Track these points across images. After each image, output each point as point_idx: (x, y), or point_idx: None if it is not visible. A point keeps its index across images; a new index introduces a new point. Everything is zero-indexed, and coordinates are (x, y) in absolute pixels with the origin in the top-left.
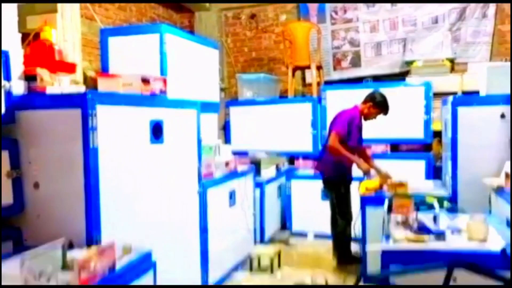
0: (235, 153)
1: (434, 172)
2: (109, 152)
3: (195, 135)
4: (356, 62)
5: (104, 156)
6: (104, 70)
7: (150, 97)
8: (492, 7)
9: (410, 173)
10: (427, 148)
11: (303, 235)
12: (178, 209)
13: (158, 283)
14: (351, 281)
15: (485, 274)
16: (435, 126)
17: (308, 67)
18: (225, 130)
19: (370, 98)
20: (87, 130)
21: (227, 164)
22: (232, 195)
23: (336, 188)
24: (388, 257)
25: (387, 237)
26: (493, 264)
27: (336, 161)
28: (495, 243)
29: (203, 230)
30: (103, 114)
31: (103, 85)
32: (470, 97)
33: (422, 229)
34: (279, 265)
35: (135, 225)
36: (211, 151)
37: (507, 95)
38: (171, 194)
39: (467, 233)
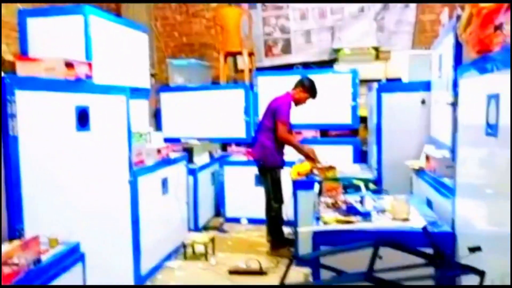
0: (167, 141)
1: (361, 156)
2: (31, 140)
3: (124, 122)
4: (287, 49)
5: (25, 145)
6: (23, 53)
7: (75, 82)
8: None
9: (339, 158)
10: (355, 133)
11: (237, 221)
12: (108, 199)
13: (88, 275)
14: (284, 264)
15: (407, 251)
16: (362, 112)
17: (240, 53)
18: (156, 117)
19: (299, 84)
20: (5, 117)
21: (159, 151)
22: (164, 183)
23: (271, 173)
24: (319, 238)
25: (318, 219)
26: (416, 241)
27: (270, 148)
28: (417, 222)
29: (135, 219)
30: (23, 100)
31: (23, 69)
32: (393, 84)
33: (350, 210)
34: (213, 252)
35: (62, 217)
36: (142, 138)
37: (427, 82)
38: (100, 184)
39: (391, 213)
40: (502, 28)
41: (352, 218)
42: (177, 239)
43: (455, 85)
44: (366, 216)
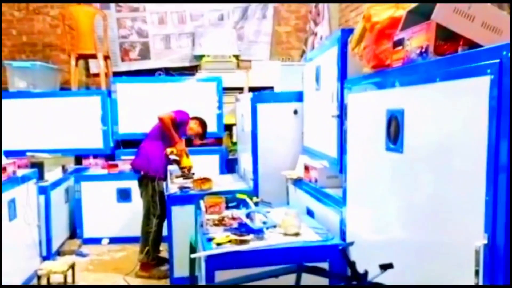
0: (8, 154)
1: (227, 165)
2: None
3: None
4: (145, 53)
5: None
6: None
7: None
8: (271, 8)
9: (206, 168)
10: (219, 142)
11: (97, 241)
12: None
13: None
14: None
15: (328, 275)
16: (225, 120)
17: (93, 56)
18: None
19: (196, 118)
20: None
21: (4, 169)
22: (11, 206)
23: (153, 184)
24: (213, 262)
25: (210, 240)
26: (311, 256)
27: (156, 157)
28: (308, 235)
29: None
30: None
31: None
32: (267, 94)
33: (242, 228)
34: (73, 281)
35: None
36: None
37: (299, 93)
38: None
39: (282, 228)
40: (404, 44)
41: (246, 237)
42: (28, 270)
43: (341, 98)
44: (258, 233)
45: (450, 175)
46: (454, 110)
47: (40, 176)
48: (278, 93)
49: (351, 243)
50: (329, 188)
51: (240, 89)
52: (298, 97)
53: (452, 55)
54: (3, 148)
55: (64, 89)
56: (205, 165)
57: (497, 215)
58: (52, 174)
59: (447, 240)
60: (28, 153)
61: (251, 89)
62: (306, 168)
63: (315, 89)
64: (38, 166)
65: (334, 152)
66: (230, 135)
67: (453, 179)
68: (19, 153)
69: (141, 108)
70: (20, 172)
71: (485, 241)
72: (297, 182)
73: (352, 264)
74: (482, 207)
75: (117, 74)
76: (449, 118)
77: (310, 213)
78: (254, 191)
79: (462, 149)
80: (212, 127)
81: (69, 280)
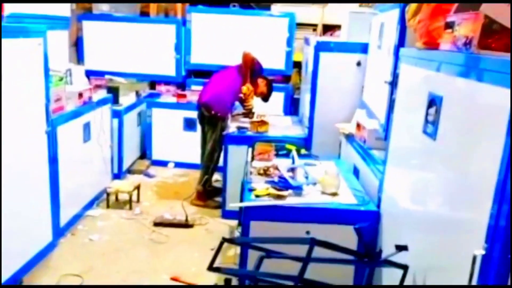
0: (90, 73)
1: (292, 103)
2: None
3: (41, 66)
4: None
5: None
6: None
7: None
8: None
9: (270, 105)
10: (287, 79)
11: (163, 164)
12: (23, 152)
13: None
14: (210, 215)
15: (340, 250)
16: (296, 57)
17: None
18: (78, 46)
19: (267, 78)
20: None
21: (80, 95)
22: (86, 129)
23: (222, 124)
24: (250, 212)
25: (250, 190)
26: (343, 217)
27: (228, 99)
28: (345, 197)
29: (53, 169)
30: None
31: None
32: (331, 44)
33: (282, 184)
34: (138, 200)
35: None
36: (62, 82)
37: (365, 44)
38: (13, 136)
39: (321, 186)
40: (454, 28)
41: (284, 192)
42: (100, 186)
43: (395, 65)
44: (297, 190)
45: (467, 178)
46: (479, 115)
47: (115, 101)
48: (342, 43)
49: (367, 224)
50: (376, 149)
51: (314, 26)
52: (363, 48)
53: (484, 56)
54: (86, 68)
55: (143, 15)
56: (270, 101)
57: (497, 229)
58: (126, 99)
59: (452, 241)
60: (107, 76)
61: (325, 27)
62: (358, 126)
63: (377, 46)
64: (114, 91)
65: (383, 117)
66: (299, 72)
67: (468, 183)
68: (99, 73)
69: (213, 39)
70: (98, 95)
71: (483, 252)
72: (350, 137)
73: (365, 243)
74: (487, 217)
75: (193, 2)
76: (473, 121)
77: (356, 171)
78: (308, 140)
79: (479, 157)
80: (280, 65)
81: (134, 198)
